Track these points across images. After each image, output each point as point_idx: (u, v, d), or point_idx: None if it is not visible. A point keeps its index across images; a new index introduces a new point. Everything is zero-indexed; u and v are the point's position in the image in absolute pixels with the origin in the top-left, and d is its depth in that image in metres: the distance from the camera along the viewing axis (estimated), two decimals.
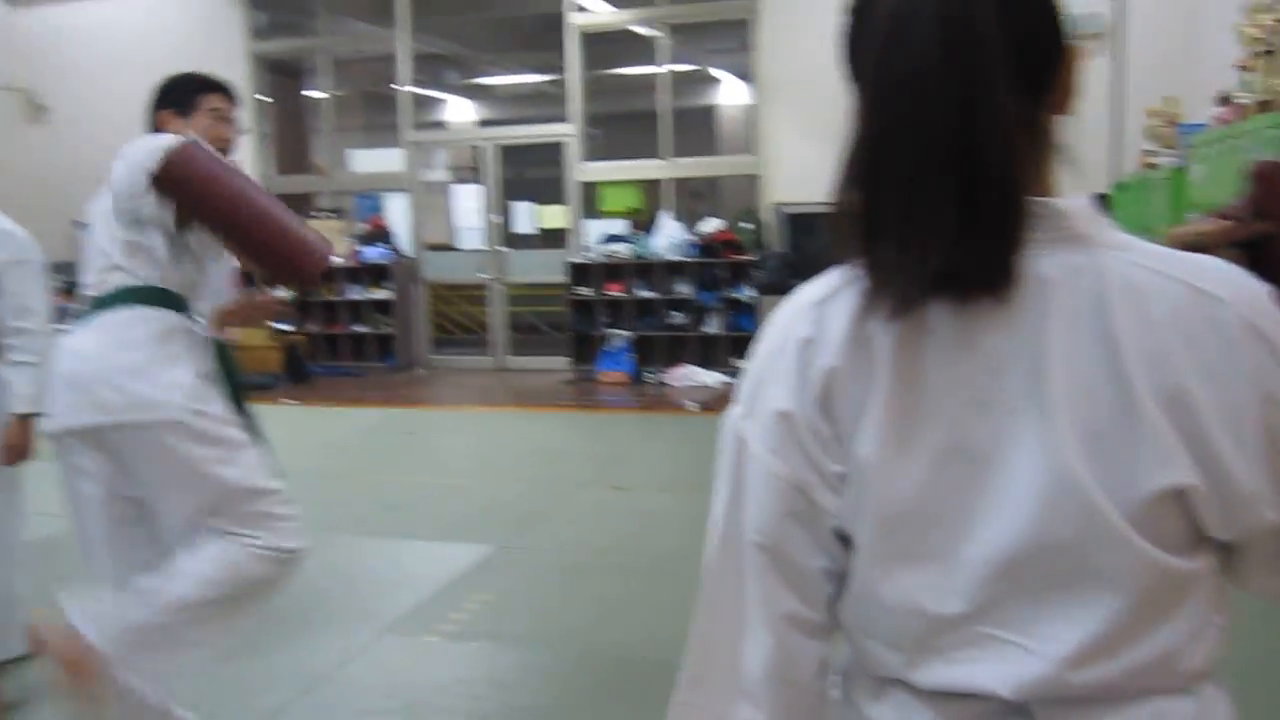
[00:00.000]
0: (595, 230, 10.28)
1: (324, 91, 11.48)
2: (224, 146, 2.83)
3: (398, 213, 11.13)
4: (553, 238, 10.75)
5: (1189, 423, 0.84)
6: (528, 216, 11.12)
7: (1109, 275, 0.87)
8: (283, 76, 11.67)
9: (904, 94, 0.86)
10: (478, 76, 15.51)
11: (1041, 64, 0.89)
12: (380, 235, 10.81)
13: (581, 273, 9.93)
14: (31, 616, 3.50)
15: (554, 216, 10.62)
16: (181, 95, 2.82)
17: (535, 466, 6.47)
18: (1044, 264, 0.88)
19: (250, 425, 2.70)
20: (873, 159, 0.89)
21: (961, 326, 0.90)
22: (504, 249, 10.72)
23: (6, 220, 3.37)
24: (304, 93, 11.95)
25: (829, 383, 0.93)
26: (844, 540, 0.98)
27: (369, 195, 11.61)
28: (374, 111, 13.72)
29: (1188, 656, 0.89)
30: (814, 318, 0.96)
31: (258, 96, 11.03)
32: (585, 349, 9.90)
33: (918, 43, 0.85)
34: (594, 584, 4.23)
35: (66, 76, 10.97)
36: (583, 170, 10.22)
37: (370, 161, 12.44)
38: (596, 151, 10.70)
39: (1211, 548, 0.90)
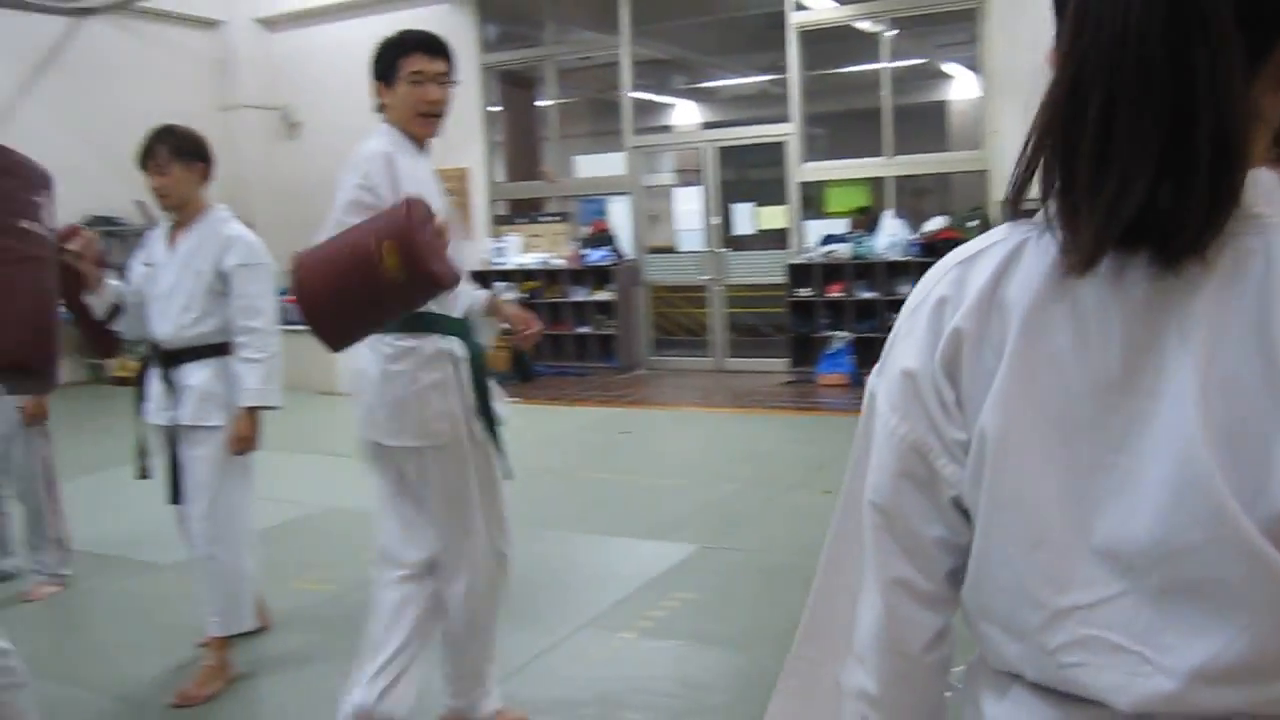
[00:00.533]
0: (815, 231, 10.13)
1: (551, 99, 11.83)
2: (431, 110, 2.89)
3: (620, 216, 11.33)
4: (773, 239, 10.67)
5: None
6: (748, 218, 11.06)
7: (1278, 262, 0.76)
8: (513, 86, 12.09)
9: (1112, 28, 0.77)
10: (701, 80, 15.62)
11: (1265, 28, 0.78)
12: (603, 238, 11.03)
13: (801, 274, 9.81)
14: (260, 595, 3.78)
15: (774, 217, 10.54)
16: (384, 64, 2.89)
17: (747, 468, 6.43)
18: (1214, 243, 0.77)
19: (491, 426, 2.87)
20: (1075, 99, 0.80)
21: (1110, 299, 0.80)
22: (724, 250, 10.72)
23: (241, 227, 3.60)
24: (534, 102, 12.34)
25: (956, 345, 0.87)
26: (965, 513, 0.90)
27: (593, 199, 11.87)
28: (599, 118, 14.03)
29: None
30: (955, 277, 0.90)
31: (489, 107, 11.49)
32: (804, 351, 9.78)
33: None
34: (795, 588, 4.15)
35: (315, 93, 11.76)
36: (803, 170, 10.11)
37: (594, 166, 12.71)
38: (817, 151, 10.52)
39: None
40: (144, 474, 3.71)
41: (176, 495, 3.56)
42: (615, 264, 10.72)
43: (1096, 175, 0.78)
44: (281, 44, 12.12)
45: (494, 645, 3.04)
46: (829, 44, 10.72)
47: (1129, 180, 0.76)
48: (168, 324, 3.49)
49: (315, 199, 12.93)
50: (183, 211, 3.54)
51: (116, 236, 10.16)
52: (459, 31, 11.05)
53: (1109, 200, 0.77)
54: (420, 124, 2.89)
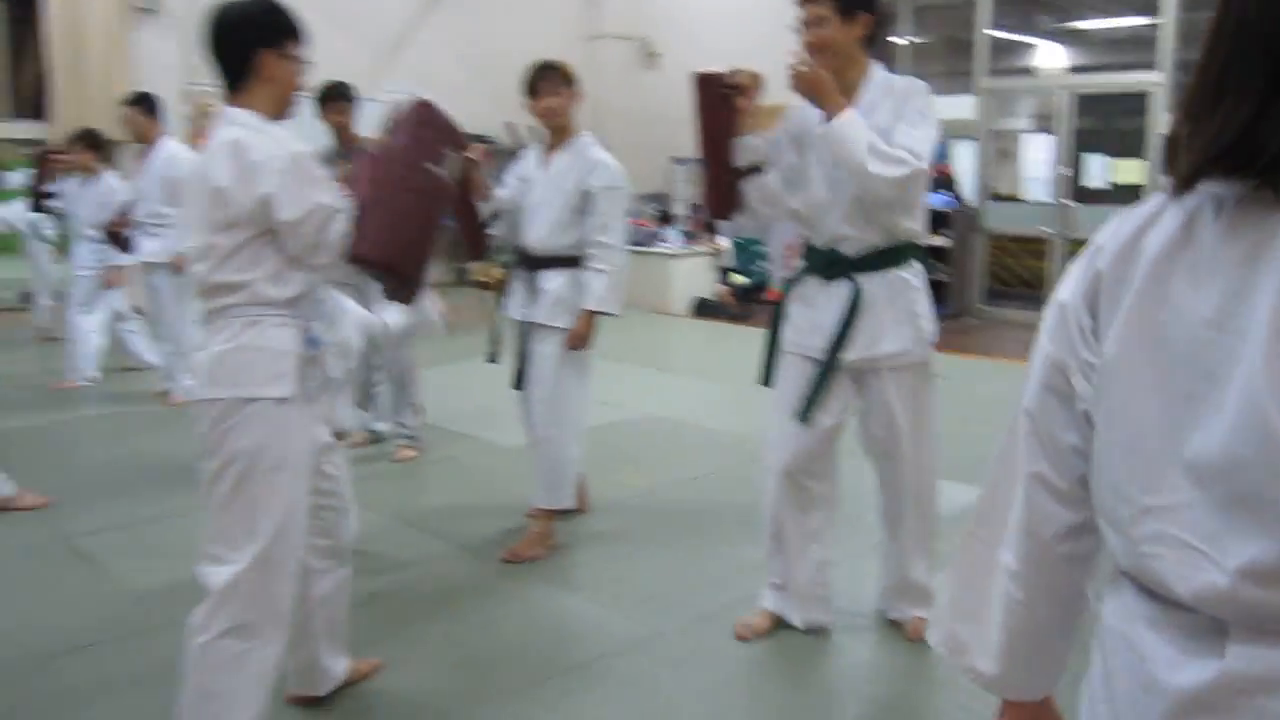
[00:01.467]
0: None
1: (905, 38, 11.66)
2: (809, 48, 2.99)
3: (964, 160, 11.08)
4: (1126, 194, 10.10)
5: None
6: (1101, 170, 10.50)
7: None
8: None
9: (1240, 10, 0.95)
10: (1068, 19, 14.77)
11: None
12: (945, 182, 10.85)
13: None
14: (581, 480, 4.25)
15: (1130, 171, 9.96)
16: None
17: None
18: None
19: None
20: (1205, 70, 0.98)
21: (1223, 247, 0.95)
22: (1071, 203, 10.28)
23: (604, 153, 4.00)
24: (887, 39, 12.21)
25: (1096, 283, 1.06)
26: (1093, 425, 1.08)
27: (938, 142, 11.66)
28: (952, 57, 13.65)
29: None
30: (1112, 229, 1.07)
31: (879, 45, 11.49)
32: None
33: None
34: None
35: (675, 23, 12.23)
36: (1168, 122, 9.47)
37: (941, 108, 12.44)
38: None
39: None
40: (493, 359, 4.31)
41: (520, 382, 4.09)
42: (955, 209, 10.54)
43: (1208, 112, 0.95)
44: None
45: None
46: None
47: (1230, 115, 0.93)
48: (535, 233, 3.96)
49: (670, 127, 13.49)
50: (561, 133, 3.99)
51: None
52: None
53: (1212, 130, 0.94)
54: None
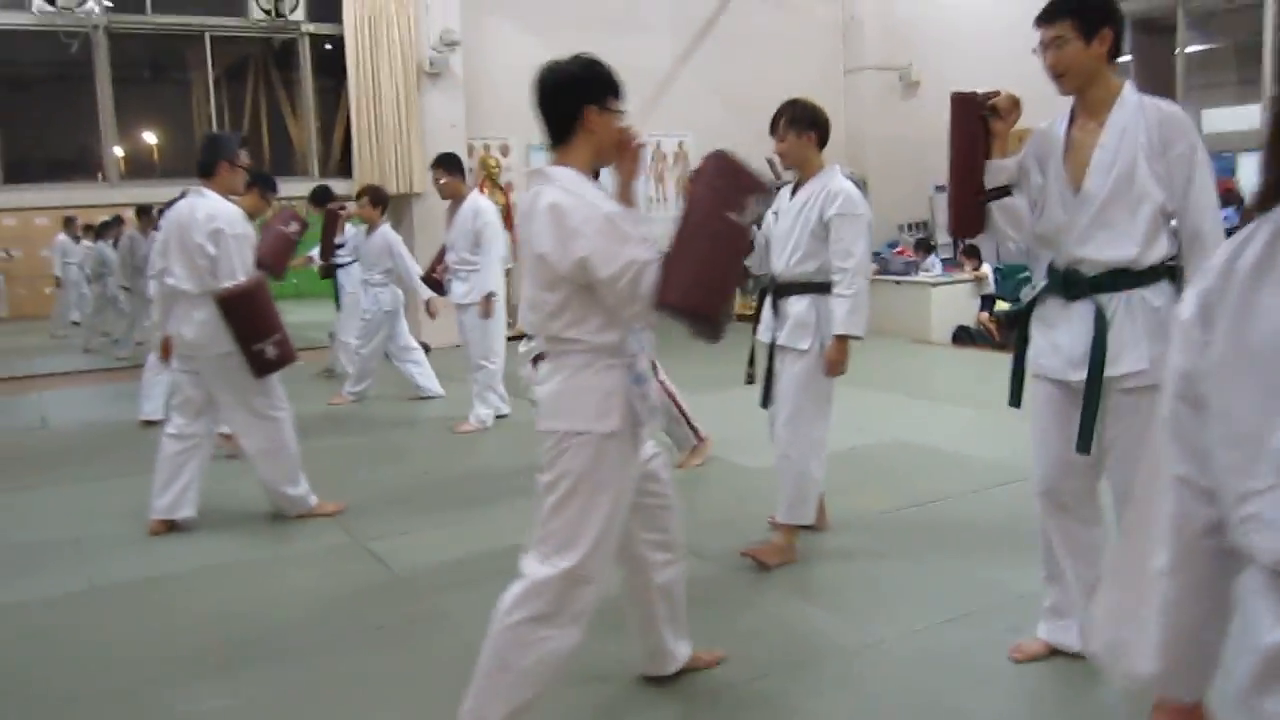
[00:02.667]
0: None
1: (1189, 46, 11.07)
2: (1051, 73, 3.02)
3: (1250, 174, 10.39)
4: None
5: None
6: None
7: None
8: (1148, 34, 11.50)
9: None
10: None
11: None
12: (1230, 199, 10.19)
13: None
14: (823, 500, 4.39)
15: None
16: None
17: None
18: None
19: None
20: None
21: None
22: None
23: (846, 183, 4.15)
24: (1173, 50, 11.62)
25: (1207, 300, 1.19)
26: None
27: (1222, 156, 10.96)
28: (1243, 65, 12.80)
29: None
30: (1219, 253, 1.20)
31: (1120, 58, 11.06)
32: None
33: None
34: None
35: (935, 52, 12.15)
36: None
37: (1225, 120, 11.68)
38: None
39: None
40: (750, 380, 4.57)
41: (766, 400, 4.31)
42: (1234, 227, 9.86)
43: None
44: (905, 7, 12.67)
45: None
46: None
47: None
48: (781, 260, 4.19)
49: (928, 153, 13.44)
50: (802, 170, 4.21)
51: None
52: None
53: None
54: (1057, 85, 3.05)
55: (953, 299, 10.69)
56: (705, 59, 11.95)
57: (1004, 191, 3.13)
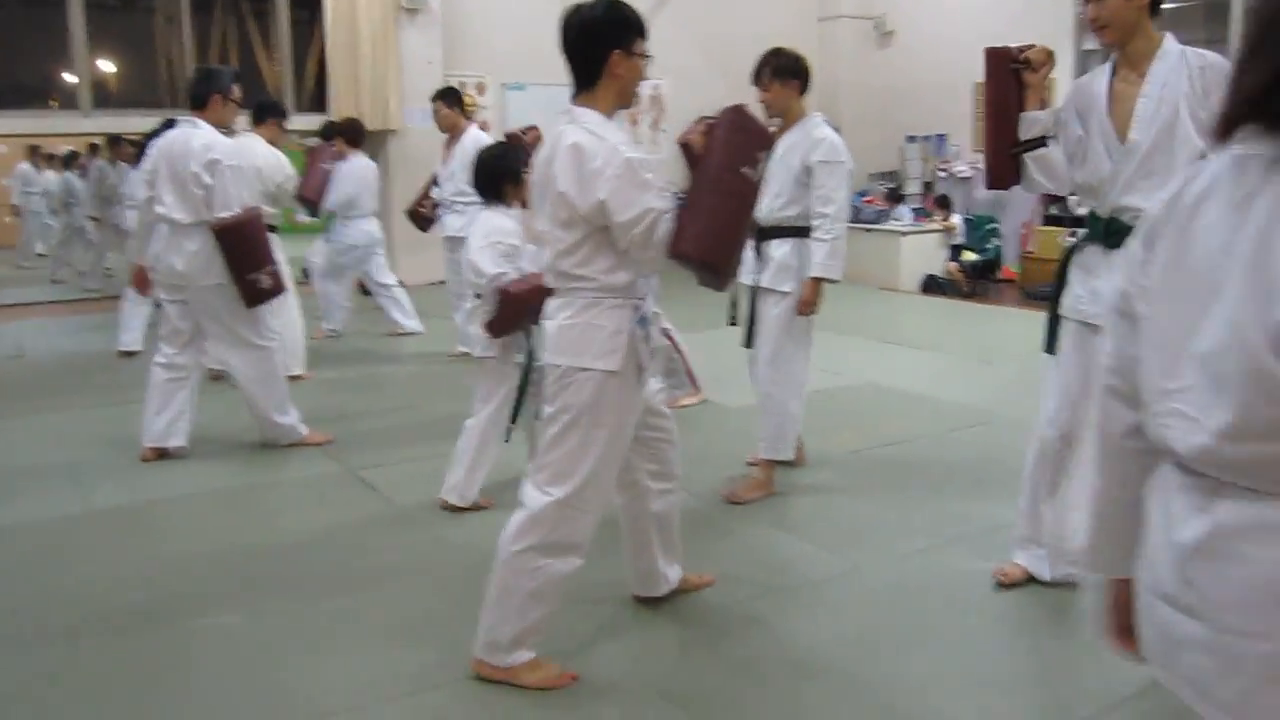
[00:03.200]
0: None
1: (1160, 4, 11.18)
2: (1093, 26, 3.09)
3: None
4: None
5: None
6: None
7: None
8: None
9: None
10: None
11: None
12: None
13: None
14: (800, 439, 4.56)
15: None
16: None
17: None
18: None
19: None
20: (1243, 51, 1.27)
21: (1237, 194, 1.23)
22: None
23: (828, 130, 4.30)
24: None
25: (1151, 229, 1.36)
26: None
27: None
28: (1212, 23, 12.96)
29: None
30: (1176, 182, 1.36)
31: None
32: None
33: None
34: None
35: (910, 3, 12.21)
36: None
37: None
38: None
39: None
40: (733, 321, 4.70)
41: (750, 341, 4.45)
42: None
43: (1241, 72, 1.23)
44: None
45: None
46: None
47: (1245, 78, 1.22)
48: (764, 206, 4.30)
49: (901, 104, 13.47)
50: (785, 118, 4.33)
51: None
52: None
53: (1244, 86, 1.22)
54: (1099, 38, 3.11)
55: (922, 248, 10.87)
56: (681, 4, 11.94)
57: (1039, 143, 3.23)
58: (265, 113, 6.53)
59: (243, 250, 4.82)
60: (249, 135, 6.24)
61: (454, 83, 10.82)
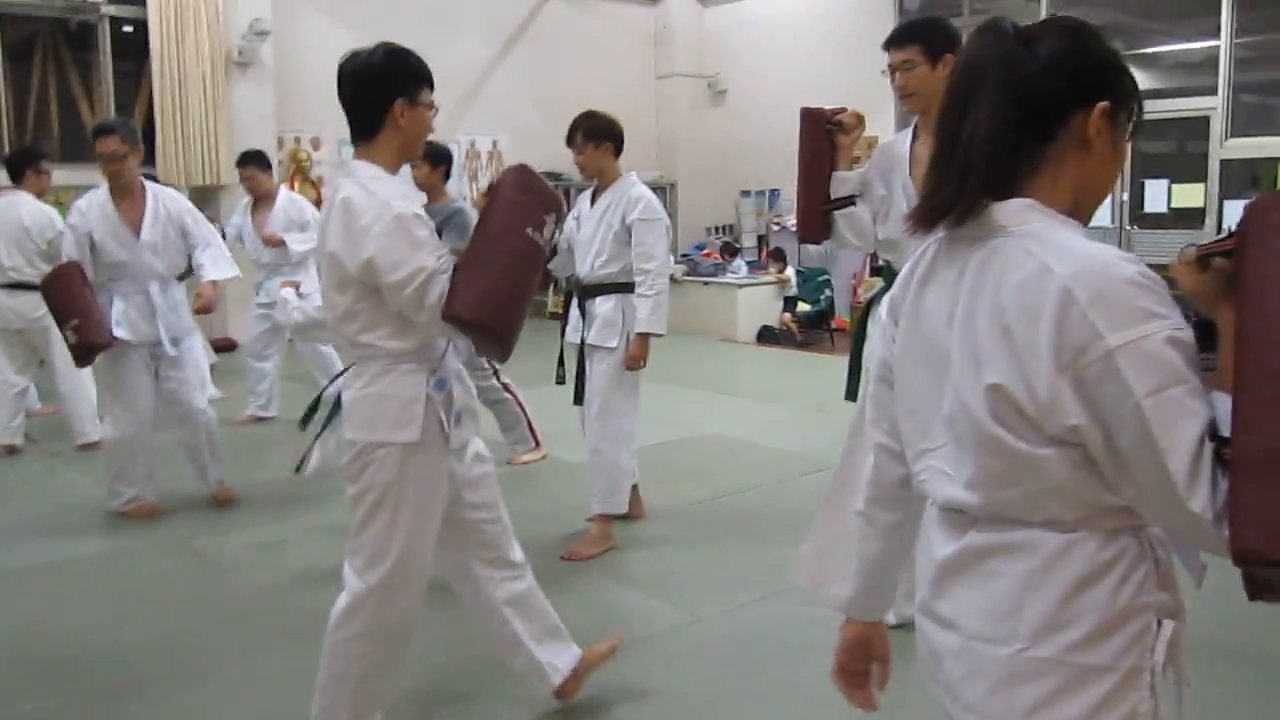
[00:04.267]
0: (1237, 211, 9.56)
1: None
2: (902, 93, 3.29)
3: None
4: (1185, 217, 10.19)
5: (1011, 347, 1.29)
6: (1160, 195, 10.61)
7: (998, 252, 1.34)
8: None
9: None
10: (1138, 46, 14.83)
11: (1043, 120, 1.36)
12: None
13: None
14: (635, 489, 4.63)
15: (1189, 195, 10.07)
16: None
17: None
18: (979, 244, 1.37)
19: None
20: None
21: (948, 274, 1.40)
22: (1132, 228, 10.42)
23: (644, 190, 4.44)
24: None
25: (894, 303, 1.52)
26: None
27: None
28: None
29: (1043, 509, 1.31)
30: (910, 262, 1.51)
31: None
32: (1214, 337, 9.33)
33: None
34: None
35: (740, 62, 12.66)
36: (1227, 147, 9.60)
37: None
38: (1250, 124, 9.90)
39: (1062, 445, 1.28)
40: (560, 380, 4.73)
41: (579, 398, 4.50)
42: None
43: (930, 185, 1.42)
44: (713, 18, 13.13)
45: None
46: (1272, 8, 9.99)
47: (935, 189, 1.40)
48: (585, 264, 4.39)
49: (734, 160, 13.83)
50: (600, 178, 4.43)
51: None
52: (878, 7, 11.43)
53: (929, 196, 1.41)
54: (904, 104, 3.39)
55: (758, 300, 11.17)
56: (520, 61, 12.07)
57: (848, 201, 3.42)
58: (22, 164, 6.26)
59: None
60: (14, 193, 6.09)
61: (288, 138, 10.71)
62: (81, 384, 6.22)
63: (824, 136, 3.44)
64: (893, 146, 3.41)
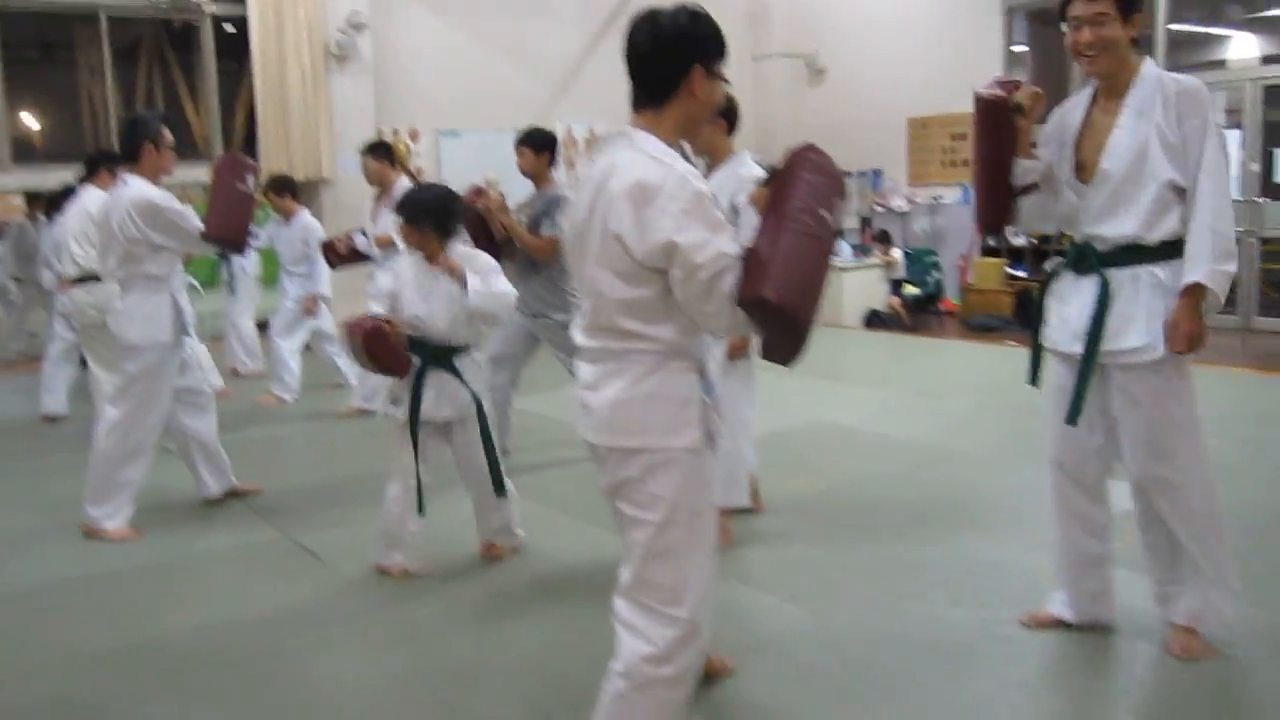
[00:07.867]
0: None
1: None
2: (1084, 51, 2.98)
3: None
4: None
5: None
6: None
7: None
8: (1041, 26, 11.83)
9: None
10: (1256, 9, 14.10)
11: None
12: None
13: None
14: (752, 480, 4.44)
15: None
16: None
17: (1254, 428, 6.13)
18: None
19: None
20: None
21: None
22: (1262, 200, 9.86)
23: (756, 168, 4.21)
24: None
25: None
26: None
27: None
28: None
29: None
30: None
31: (1013, 48, 11.36)
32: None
33: None
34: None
35: (840, 39, 12.32)
36: None
37: None
38: None
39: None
40: None
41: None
42: None
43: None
44: None
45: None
46: None
47: None
48: None
49: (835, 141, 13.47)
50: (712, 156, 4.30)
51: None
52: None
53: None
54: (1084, 64, 3.05)
55: (864, 283, 10.87)
56: (614, 47, 11.88)
57: (1031, 187, 3.19)
58: (98, 164, 6.34)
59: None
60: (89, 189, 6.20)
61: (387, 130, 10.73)
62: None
63: (1005, 125, 3.15)
64: (1066, 113, 3.13)
